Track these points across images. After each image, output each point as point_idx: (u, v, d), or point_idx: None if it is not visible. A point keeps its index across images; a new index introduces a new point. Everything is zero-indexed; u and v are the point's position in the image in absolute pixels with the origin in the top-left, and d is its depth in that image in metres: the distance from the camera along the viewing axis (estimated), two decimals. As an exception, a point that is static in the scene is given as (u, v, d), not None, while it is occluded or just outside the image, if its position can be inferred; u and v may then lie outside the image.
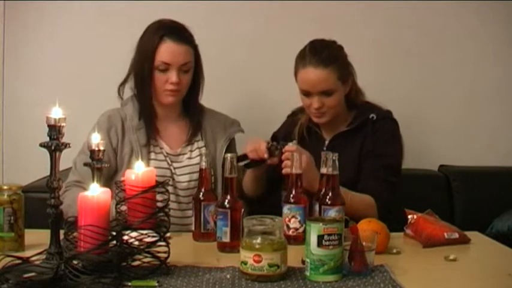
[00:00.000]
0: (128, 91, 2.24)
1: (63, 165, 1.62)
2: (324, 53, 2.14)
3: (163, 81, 2.11)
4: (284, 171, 1.95)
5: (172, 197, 2.13)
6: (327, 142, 2.26)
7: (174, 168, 2.17)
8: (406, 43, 3.00)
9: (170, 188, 2.12)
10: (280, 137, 2.32)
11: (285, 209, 1.85)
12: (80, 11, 2.92)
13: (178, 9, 2.81)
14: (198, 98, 2.24)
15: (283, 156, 1.98)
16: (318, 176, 1.89)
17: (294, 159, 1.86)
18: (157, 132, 2.18)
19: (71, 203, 1.74)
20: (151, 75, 2.11)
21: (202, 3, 2.90)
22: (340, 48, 2.22)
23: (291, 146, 1.99)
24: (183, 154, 2.20)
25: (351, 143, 2.20)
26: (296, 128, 2.31)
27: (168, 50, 2.09)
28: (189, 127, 2.23)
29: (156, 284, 1.45)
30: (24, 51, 2.94)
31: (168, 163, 2.16)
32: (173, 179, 2.14)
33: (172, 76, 2.09)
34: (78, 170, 2.10)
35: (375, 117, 2.22)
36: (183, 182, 2.16)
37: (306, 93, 2.17)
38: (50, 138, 1.53)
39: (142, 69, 2.12)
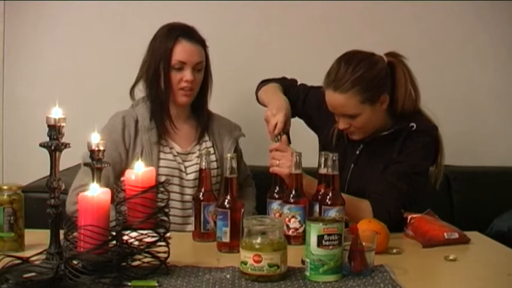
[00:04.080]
0: (138, 93, 2.26)
1: (63, 165, 1.62)
2: (347, 74, 1.98)
3: (178, 80, 2.17)
4: (271, 170, 1.94)
5: (177, 197, 2.16)
6: (361, 146, 2.13)
7: (185, 167, 2.20)
8: (406, 43, 2.99)
9: (177, 188, 2.16)
10: (316, 103, 2.22)
11: (285, 209, 1.85)
12: (80, 11, 2.92)
13: (180, 10, 2.82)
14: (207, 98, 2.29)
15: (271, 155, 1.97)
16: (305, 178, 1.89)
17: (294, 159, 1.86)
18: (167, 132, 2.22)
19: None
20: (167, 75, 2.16)
21: (204, 3, 2.91)
22: (372, 64, 2.02)
23: (277, 144, 1.98)
24: (193, 153, 2.24)
25: (385, 149, 2.07)
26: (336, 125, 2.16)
27: (183, 49, 2.16)
28: (198, 127, 2.28)
29: (156, 284, 1.45)
30: (24, 51, 2.94)
31: (178, 162, 2.19)
32: (181, 178, 2.18)
33: (187, 74, 2.16)
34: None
35: (414, 127, 2.05)
36: (191, 180, 2.18)
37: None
38: (50, 138, 1.54)
39: (157, 70, 2.17)
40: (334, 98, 2.02)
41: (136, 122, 2.21)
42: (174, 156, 2.20)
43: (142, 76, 2.23)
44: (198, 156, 2.22)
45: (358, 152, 2.14)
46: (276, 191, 1.94)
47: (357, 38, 2.95)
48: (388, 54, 2.11)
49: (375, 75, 2.02)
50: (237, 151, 2.31)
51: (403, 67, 2.11)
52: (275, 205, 1.91)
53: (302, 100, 2.28)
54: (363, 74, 1.99)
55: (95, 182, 1.56)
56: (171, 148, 2.21)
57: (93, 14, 2.93)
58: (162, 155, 2.18)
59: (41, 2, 2.92)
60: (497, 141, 3.06)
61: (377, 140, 2.10)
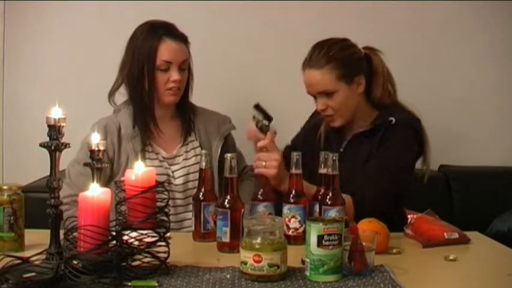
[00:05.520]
0: (119, 97, 2.22)
1: (63, 165, 1.62)
2: (321, 53, 2.08)
3: (164, 81, 2.12)
4: (256, 171, 1.91)
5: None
6: (345, 142, 2.18)
7: (172, 172, 2.16)
8: (405, 43, 3.00)
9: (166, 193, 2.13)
10: (301, 140, 2.31)
11: (285, 209, 1.85)
12: (79, 11, 2.92)
13: (178, 10, 2.82)
14: (189, 96, 2.25)
15: (257, 155, 1.93)
16: (287, 176, 1.87)
17: (294, 159, 1.86)
18: (152, 137, 2.17)
19: None
20: (153, 76, 2.11)
21: (204, 3, 2.91)
22: (346, 46, 2.13)
23: (265, 142, 1.93)
24: (179, 156, 2.20)
25: (366, 144, 2.11)
26: (322, 128, 2.24)
27: (168, 49, 2.11)
28: (183, 127, 2.23)
29: (156, 284, 1.45)
30: (24, 51, 2.95)
31: (164, 167, 2.16)
32: (170, 183, 2.13)
33: (175, 74, 2.11)
34: (73, 182, 2.09)
35: (393, 121, 2.09)
36: (179, 184, 2.16)
37: (311, 96, 2.14)
38: (50, 138, 1.54)
39: (141, 71, 2.11)
40: (310, 75, 2.09)
41: (119, 130, 2.15)
42: (161, 161, 2.16)
43: (124, 79, 2.17)
44: (185, 159, 2.19)
45: (342, 150, 2.16)
46: (260, 193, 1.87)
47: (356, 38, 2.93)
48: (364, 48, 2.19)
49: (349, 54, 2.12)
50: (228, 144, 2.26)
51: (379, 60, 2.18)
52: (261, 207, 1.85)
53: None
54: (337, 52, 2.09)
55: (95, 182, 1.56)
56: (156, 154, 2.17)
57: (93, 14, 2.93)
58: (148, 162, 2.10)
59: (41, 2, 2.92)
60: (497, 141, 3.06)
61: (358, 136, 2.14)
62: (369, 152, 2.10)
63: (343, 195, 1.94)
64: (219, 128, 2.26)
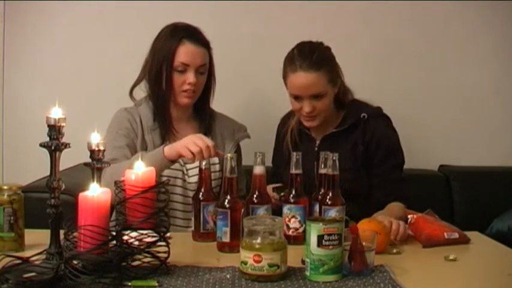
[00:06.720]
0: (140, 92, 2.25)
1: (63, 165, 1.62)
2: (314, 56, 2.12)
3: (180, 82, 2.15)
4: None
5: (180, 198, 2.15)
6: (317, 142, 2.25)
7: (187, 170, 2.18)
8: (406, 43, 3.00)
9: (180, 189, 2.15)
10: (278, 152, 2.35)
11: (285, 209, 1.85)
12: (80, 11, 2.92)
13: (179, 10, 2.82)
14: (210, 100, 2.28)
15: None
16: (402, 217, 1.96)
17: (294, 159, 1.86)
18: (171, 133, 2.21)
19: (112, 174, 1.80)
20: (169, 76, 2.15)
21: (204, 3, 2.91)
22: (328, 50, 2.20)
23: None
24: None
25: (343, 143, 2.18)
26: (287, 136, 2.30)
27: (187, 52, 2.15)
28: (200, 128, 2.26)
29: (156, 284, 1.45)
30: (24, 51, 2.94)
31: (180, 164, 2.17)
32: (184, 180, 2.16)
33: (190, 77, 2.14)
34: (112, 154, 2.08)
35: (366, 116, 2.21)
36: (193, 182, 2.17)
37: (296, 97, 2.16)
38: (50, 138, 1.53)
39: (160, 70, 2.15)
40: (306, 78, 2.11)
41: (140, 120, 2.20)
42: None
43: (145, 76, 2.22)
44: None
45: (316, 149, 2.21)
46: (255, 195, 1.83)
47: (357, 38, 2.95)
48: None
49: (332, 59, 2.20)
50: (238, 153, 2.27)
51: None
52: (261, 211, 1.82)
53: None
54: (327, 55, 2.18)
55: (95, 182, 1.56)
56: None
57: (93, 14, 2.93)
58: None
59: (41, 2, 2.92)
60: (497, 141, 3.06)
61: (331, 135, 2.22)
62: (350, 146, 2.19)
63: (395, 205, 2.09)
64: (233, 134, 2.30)
